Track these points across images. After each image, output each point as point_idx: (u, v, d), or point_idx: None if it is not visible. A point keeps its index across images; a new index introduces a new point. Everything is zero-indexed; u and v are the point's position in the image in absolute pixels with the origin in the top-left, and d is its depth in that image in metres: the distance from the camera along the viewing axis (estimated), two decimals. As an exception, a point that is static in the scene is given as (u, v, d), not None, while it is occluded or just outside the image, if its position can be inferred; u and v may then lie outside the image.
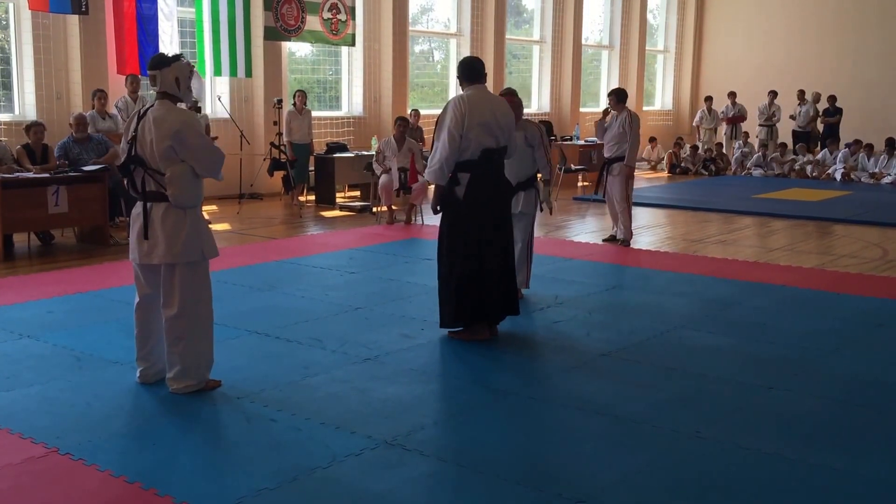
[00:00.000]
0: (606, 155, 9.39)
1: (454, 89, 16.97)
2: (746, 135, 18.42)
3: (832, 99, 17.66)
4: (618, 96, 9.32)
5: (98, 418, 4.16)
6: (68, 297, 6.56)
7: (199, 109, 10.12)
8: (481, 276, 5.42)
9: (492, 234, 5.46)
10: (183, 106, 4.52)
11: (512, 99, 6.41)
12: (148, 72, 4.47)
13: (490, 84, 18.60)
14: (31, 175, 8.33)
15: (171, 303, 4.48)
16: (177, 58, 4.46)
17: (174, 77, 4.38)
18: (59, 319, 5.92)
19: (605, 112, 9.60)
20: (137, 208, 4.53)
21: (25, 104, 10.71)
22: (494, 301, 5.50)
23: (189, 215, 4.45)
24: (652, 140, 19.13)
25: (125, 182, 4.57)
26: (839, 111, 17.59)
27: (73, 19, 10.67)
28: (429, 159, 5.50)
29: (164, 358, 4.59)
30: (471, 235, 5.39)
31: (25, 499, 3.38)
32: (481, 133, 5.32)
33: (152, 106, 4.41)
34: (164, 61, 4.41)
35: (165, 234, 4.40)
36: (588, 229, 10.48)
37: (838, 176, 16.10)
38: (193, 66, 4.55)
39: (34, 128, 8.90)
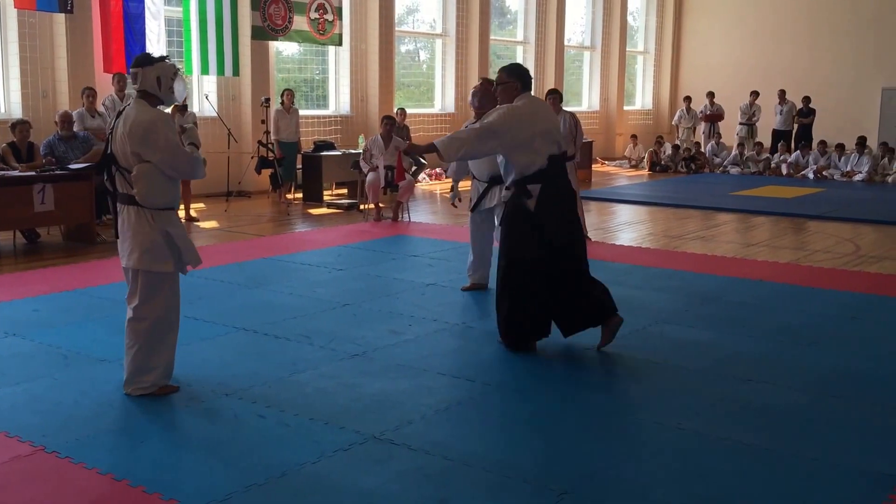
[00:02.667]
0: None
1: (440, 89, 17.07)
2: (719, 135, 18.71)
3: (806, 100, 18.01)
4: (558, 97, 9.43)
5: (85, 416, 4.15)
6: (55, 295, 6.54)
7: (185, 108, 10.09)
8: (557, 288, 5.11)
9: (566, 242, 5.15)
10: (164, 107, 4.46)
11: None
12: (130, 69, 4.44)
13: (474, 83, 18.77)
14: (16, 173, 8.30)
15: (132, 307, 4.44)
16: (162, 58, 4.39)
17: (156, 76, 4.31)
18: (45, 317, 5.91)
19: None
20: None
21: (11, 102, 10.67)
22: (571, 312, 5.19)
23: (160, 220, 4.35)
24: (633, 138, 19.40)
25: (104, 180, 4.53)
26: (812, 112, 17.90)
27: (60, 18, 10.63)
28: (450, 135, 5.17)
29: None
30: (544, 248, 5.06)
31: (12, 497, 3.37)
32: (545, 141, 5.08)
33: (129, 105, 4.38)
34: (147, 60, 4.35)
35: (132, 238, 4.35)
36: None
37: (811, 175, 16.53)
38: (178, 69, 4.49)
39: (20, 126, 8.87)
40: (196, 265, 4.57)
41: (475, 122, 6.43)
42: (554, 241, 5.07)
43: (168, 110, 10.51)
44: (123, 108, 4.38)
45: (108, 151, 4.39)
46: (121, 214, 4.41)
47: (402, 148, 5.26)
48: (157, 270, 4.37)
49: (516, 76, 5.24)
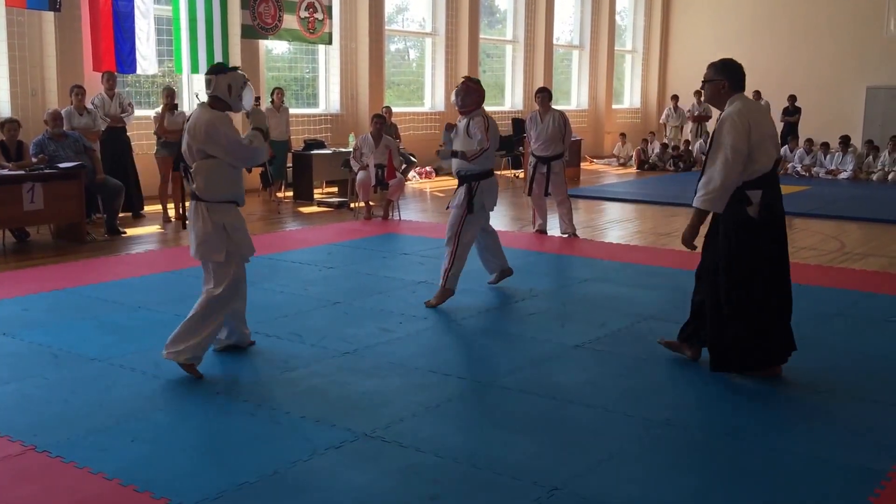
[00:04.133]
0: (541, 154, 9.32)
1: (430, 87, 17.09)
2: (708, 134, 18.79)
3: (792, 98, 18.15)
4: (547, 96, 9.46)
5: (75, 415, 4.15)
6: (44, 294, 6.53)
7: (175, 108, 10.09)
8: (778, 306, 4.75)
9: (785, 255, 4.84)
10: (231, 113, 4.79)
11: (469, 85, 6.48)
12: (205, 76, 4.80)
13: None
14: (6, 172, 8.28)
15: (204, 288, 4.85)
16: (234, 68, 4.83)
17: (227, 84, 4.71)
18: (35, 317, 5.90)
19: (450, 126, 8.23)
20: None
21: (0, 101, 10.62)
22: (784, 336, 4.81)
23: (215, 212, 4.71)
24: (622, 137, 19.54)
25: (183, 178, 5.05)
26: (798, 110, 18.05)
27: (49, 16, 10.59)
28: (700, 184, 4.66)
29: (236, 332, 5.11)
30: (767, 259, 4.71)
31: (2, 497, 3.37)
32: (770, 146, 4.68)
33: (194, 110, 4.78)
34: (221, 69, 4.78)
35: (192, 230, 4.79)
36: (555, 224, 10.53)
37: (798, 167, 16.81)
38: (248, 79, 4.90)
39: (8, 125, 8.84)
40: (249, 254, 4.91)
41: (464, 122, 6.46)
42: (775, 251, 4.74)
43: (165, 110, 10.49)
44: (190, 115, 4.81)
45: (180, 153, 4.87)
46: (190, 210, 4.84)
47: (688, 242, 4.79)
48: (210, 259, 4.76)
49: (724, 73, 4.79)
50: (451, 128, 6.44)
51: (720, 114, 4.72)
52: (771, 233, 4.73)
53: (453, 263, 6.34)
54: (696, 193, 4.70)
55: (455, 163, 6.50)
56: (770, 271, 4.71)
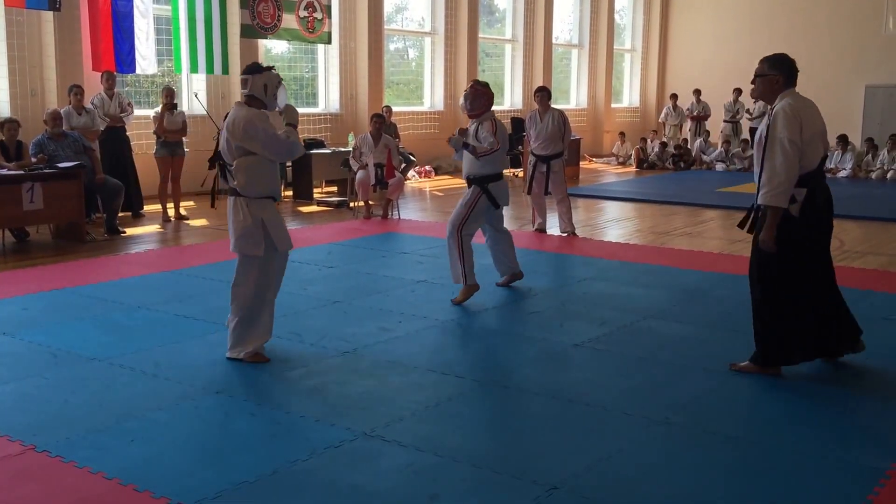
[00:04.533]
0: (541, 153, 9.35)
1: (429, 87, 17.08)
2: (708, 133, 18.84)
3: None
4: (546, 95, 9.46)
5: (75, 415, 4.15)
6: (44, 294, 6.53)
7: (174, 107, 10.09)
8: (822, 304, 4.80)
9: (827, 253, 4.84)
10: (267, 112, 4.90)
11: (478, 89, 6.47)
12: (241, 76, 4.94)
13: (463, 81, 18.79)
14: (5, 172, 8.28)
15: (233, 283, 5.01)
16: (269, 68, 4.94)
17: (263, 84, 4.85)
18: (34, 316, 5.90)
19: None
20: None
21: (-1, 101, 10.65)
22: (834, 332, 4.87)
23: (254, 208, 4.85)
24: (621, 135, 19.58)
25: (218, 176, 5.22)
26: None
27: (48, 16, 10.59)
28: (762, 181, 4.62)
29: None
30: (808, 258, 4.71)
31: (2, 497, 3.37)
32: (819, 143, 4.68)
33: (231, 109, 4.93)
34: (257, 69, 4.90)
35: (232, 225, 4.95)
36: (554, 223, 10.54)
37: None
38: (282, 79, 5.04)
39: (8, 125, 8.84)
40: (287, 249, 5.07)
41: (474, 126, 6.48)
42: (816, 248, 4.73)
43: (159, 109, 10.48)
44: (227, 114, 4.96)
45: (217, 151, 5.04)
46: (229, 205, 4.98)
47: (767, 243, 4.66)
48: (248, 254, 4.90)
49: (779, 68, 4.69)
50: (464, 132, 6.45)
51: (770, 108, 4.66)
52: (812, 232, 4.69)
53: (464, 259, 6.35)
54: (758, 191, 4.65)
55: (465, 167, 6.51)
56: (811, 269, 4.69)
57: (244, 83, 4.87)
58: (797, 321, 4.73)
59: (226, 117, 4.96)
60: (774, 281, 4.72)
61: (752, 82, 4.87)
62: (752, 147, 17.93)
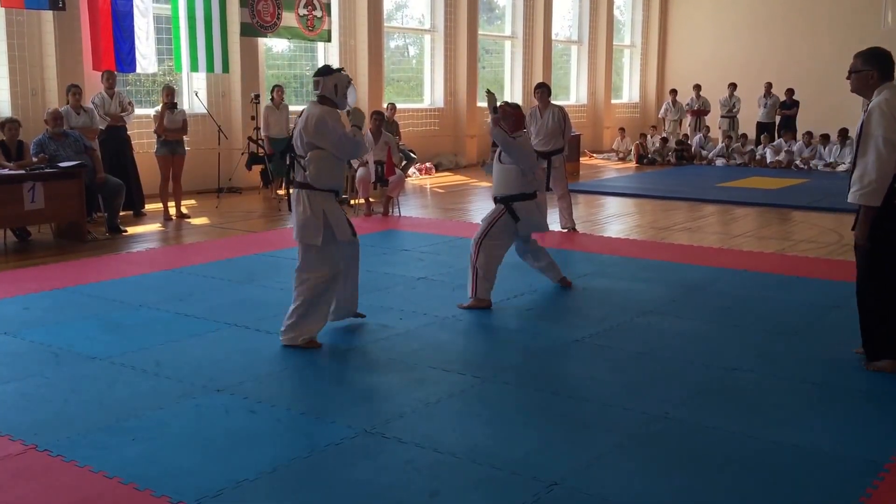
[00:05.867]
0: (541, 149, 9.22)
1: (429, 84, 17.08)
2: (708, 128, 18.86)
3: (790, 92, 18.18)
4: (546, 91, 9.45)
5: (76, 414, 4.16)
6: (45, 293, 6.54)
7: (174, 106, 10.09)
8: None
9: None
10: (338, 111, 5.18)
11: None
12: (313, 77, 5.19)
13: (463, 78, 18.79)
14: (6, 172, 8.29)
15: (296, 270, 5.27)
16: (339, 69, 5.23)
17: (334, 84, 5.11)
18: (36, 316, 5.91)
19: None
20: None
21: (0, 101, 10.63)
22: None
23: (316, 199, 5.11)
24: (621, 131, 19.61)
25: (286, 170, 5.53)
26: (796, 104, 18.08)
27: (48, 16, 10.60)
28: (854, 178, 4.55)
29: (341, 306, 5.57)
30: None
31: (3, 496, 3.38)
32: None
33: (306, 107, 5.20)
34: (328, 71, 5.16)
35: (294, 215, 5.22)
36: (555, 219, 10.55)
37: (797, 160, 16.82)
38: (351, 79, 5.29)
39: (9, 124, 8.85)
40: (345, 239, 5.27)
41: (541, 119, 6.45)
42: None
43: (160, 108, 10.48)
44: (303, 110, 5.23)
45: (289, 145, 5.30)
46: (293, 197, 5.26)
47: (862, 242, 4.61)
48: (308, 242, 5.16)
49: (874, 63, 4.59)
50: (493, 96, 6.47)
51: (865, 104, 4.60)
52: None
53: (478, 273, 6.17)
54: (849, 189, 4.59)
55: (494, 185, 6.45)
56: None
57: (316, 84, 5.13)
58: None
59: (300, 115, 5.26)
60: (879, 276, 4.62)
61: (847, 78, 4.79)
62: (751, 142, 17.98)
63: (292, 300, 5.25)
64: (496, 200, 6.41)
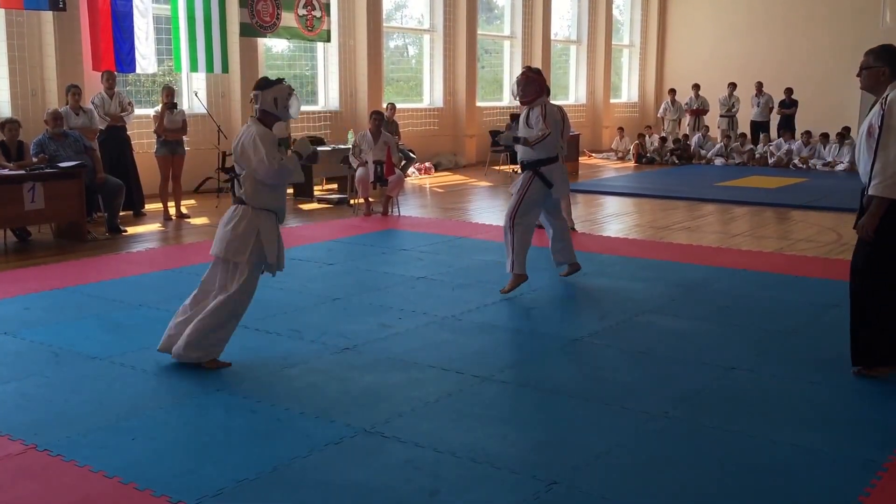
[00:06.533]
0: None
1: (428, 84, 17.08)
2: (707, 128, 18.87)
3: (789, 91, 18.18)
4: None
5: (76, 414, 4.16)
6: (45, 293, 6.55)
7: (174, 107, 10.09)
8: None
9: None
10: (282, 123, 4.90)
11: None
12: (252, 92, 4.89)
13: (462, 78, 18.82)
14: (6, 172, 8.30)
15: (218, 287, 4.88)
16: (279, 80, 4.92)
17: (273, 98, 4.81)
18: (36, 316, 5.92)
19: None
20: None
21: (0, 101, 10.63)
22: None
23: (255, 218, 4.79)
24: (620, 131, 19.63)
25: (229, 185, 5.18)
26: (795, 103, 18.08)
27: (48, 16, 10.60)
28: (875, 171, 4.52)
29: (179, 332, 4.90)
30: None
31: (4, 495, 3.38)
32: None
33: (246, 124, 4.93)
34: (266, 84, 4.87)
35: (222, 229, 4.84)
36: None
37: (796, 159, 16.81)
38: (293, 89, 4.98)
39: (9, 125, 8.85)
40: (273, 261, 4.88)
41: (524, 113, 6.59)
42: None
43: (166, 108, 10.50)
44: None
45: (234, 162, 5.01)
46: (228, 211, 4.93)
47: (868, 234, 4.55)
48: (231, 259, 4.80)
49: (885, 60, 4.61)
50: (511, 126, 6.54)
51: (876, 100, 4.59)
52: None
53: (514, 249, 6.41)
54: (870, 181, 4.57)
55: (519, 152, 6.61)
56: None
57: (255, 99, 4.85)
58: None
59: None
60: (879, 277, 4.57)
61: (858, 75, 4.80)
62: (753, 140, 17.99)
63: (182, 316, 4.89)
64: (523, 166, 6.51)
